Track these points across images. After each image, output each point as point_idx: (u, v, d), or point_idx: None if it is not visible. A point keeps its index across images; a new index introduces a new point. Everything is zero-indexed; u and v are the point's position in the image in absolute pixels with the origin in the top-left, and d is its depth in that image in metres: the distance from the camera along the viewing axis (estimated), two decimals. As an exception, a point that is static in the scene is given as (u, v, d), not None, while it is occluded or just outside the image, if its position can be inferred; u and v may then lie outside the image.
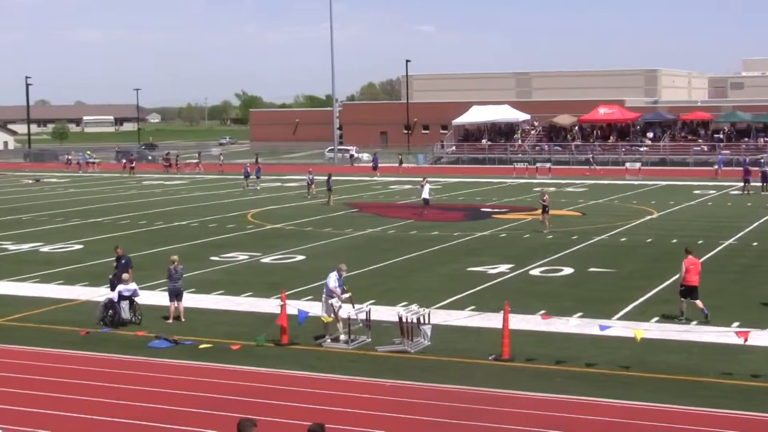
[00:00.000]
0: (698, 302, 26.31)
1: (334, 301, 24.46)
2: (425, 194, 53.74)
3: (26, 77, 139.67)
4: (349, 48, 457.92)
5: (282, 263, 37.45)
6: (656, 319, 26.48)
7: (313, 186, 65.66)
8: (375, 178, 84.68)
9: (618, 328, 24.32)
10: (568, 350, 23.27)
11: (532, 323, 25.89)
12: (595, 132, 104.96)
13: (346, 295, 24.97)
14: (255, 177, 76.64)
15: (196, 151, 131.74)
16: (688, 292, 26.48)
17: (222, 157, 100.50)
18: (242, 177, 77.91)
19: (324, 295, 24.77)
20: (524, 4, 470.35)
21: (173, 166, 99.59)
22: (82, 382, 20.97)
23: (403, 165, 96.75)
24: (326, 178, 62.44)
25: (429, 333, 23.97)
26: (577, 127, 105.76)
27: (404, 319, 23.49)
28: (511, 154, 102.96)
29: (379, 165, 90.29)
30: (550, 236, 43.62)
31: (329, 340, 24.24)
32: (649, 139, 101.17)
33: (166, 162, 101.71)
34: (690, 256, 26.95)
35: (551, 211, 47.57)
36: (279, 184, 79.02)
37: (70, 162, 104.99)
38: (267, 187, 76.04)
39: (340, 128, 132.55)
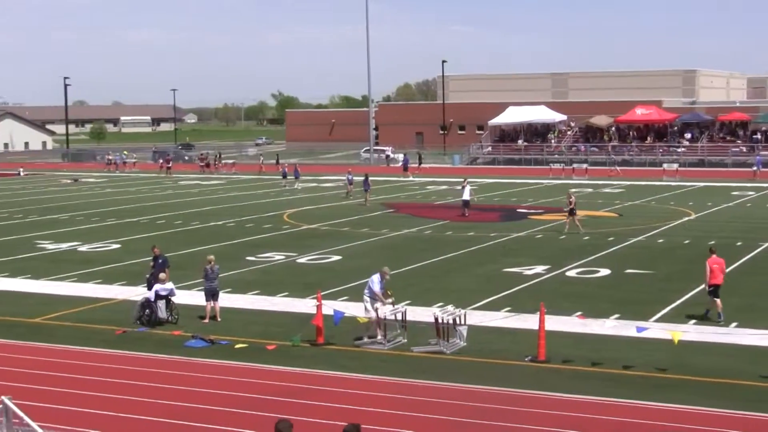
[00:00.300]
0: (719, 301, 26.25)
1: (378, 304, 24.41)
2: (466, 195, 53.35)
3: (64, 78, 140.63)
4: (385, 48, 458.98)
5: (318, 263, 37.49)
6: (694, 321, 26.30)
7: (351, 186, 65.73)
8: (407, 179, 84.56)
9: (655, 330, 24.16)
10: (604, 352, 23.15)
11: (569, 325, 25.79)
12: (632, 133, 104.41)
13: (389, 300, 24.93)
14: (293, 177, 77.15)
15: (234, 151, 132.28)
16: (716, 291, 26.41)
17: (262, 158, 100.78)
18: (280, 177, 78.82)
19: (365, 296, 24.75)
20: (562, 4, 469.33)
21: (211, 166, 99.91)
22: (118, 381, 21.08)
23: (422, 165, 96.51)
24: (363, 178, 62.50)
25: (465, 334, 23.93)
26: (614, 128, 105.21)
27: (440, 320, 23.46)
28: (548, 154, 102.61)
29: (419, 166, 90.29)
30: (587, 237, 43.44)
31: (366, 339, 24.24)
32: (687, 140, 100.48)
33: (201, 162, 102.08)
34: (714, 256, 26.97)
35: (586, 212, 47.36)
36: (315, 184, 79.16)
37: (111, 162, 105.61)
38: (303, 187, 76.17)
39: (376, 129, 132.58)
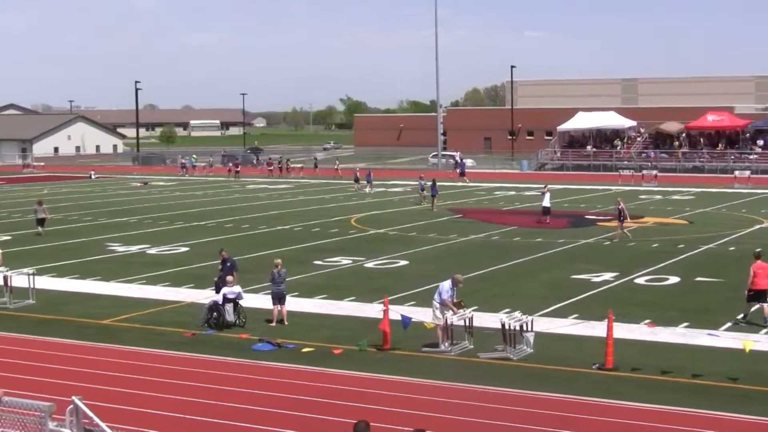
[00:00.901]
0: (766, 306, 26.33)
1: (449, 313, 24.32)
2: (546, 202, 52.31)
3: (135, 82, 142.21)
4: (454, 53, 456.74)
5: (385, 268, 37.52)
6: (766, 330, 25.91)
7: (424, 192, 65.37)
8: (464, 183, 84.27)
9: (726, 338, 23.84)
10: (674, 360, 22.87)
11: (637, 332, 25.54)
12: (702, 139, 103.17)
13: (460, 311, 24.85)
14: (365, 181, 77.92)
15: (303, 155, 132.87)
16: (758, 296, 26.66)
17: (338, 162, 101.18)
18: (352, 181, 79.81)
19: (434, 302, 24.70)
20: (631, 9, 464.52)
21: (283, 170, 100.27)
22: (186, 383, 21.25)
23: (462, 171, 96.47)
24: (431, 183, 62.48)
25: (532, 340, 23.81)
26: (684, 134, 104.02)
27: (507, 326, 23.36)
28: (617, 161, 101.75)
29: (478, 171, 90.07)
30: (632, 243, 43.14)
31: (432, 347, 24.20)
32: (760, 146, 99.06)
33: (269, 166, 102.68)
34: (759, 261, 27.12)
35: (656, 219, 46.86)
36: (383, 189, 79.25)
37: (185, 166, 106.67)
38: (369, 192, 76.28)
39: (444, 133, 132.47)
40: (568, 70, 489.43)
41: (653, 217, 54.65)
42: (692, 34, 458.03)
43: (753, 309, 26.75)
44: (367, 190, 76.49)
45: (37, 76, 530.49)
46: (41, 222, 49.68)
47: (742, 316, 26.89)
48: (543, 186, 55.85)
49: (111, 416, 17.65)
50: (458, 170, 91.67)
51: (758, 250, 28.71)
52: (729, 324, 26.69)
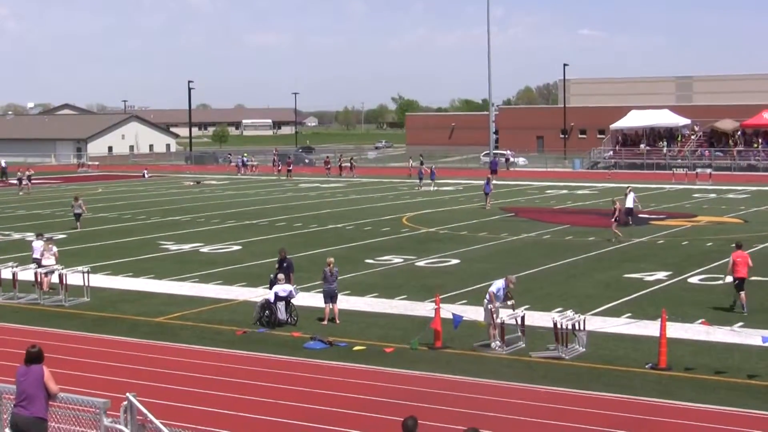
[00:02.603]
0: (743, 294, 27.97)
1: (496, 310, 24.28)
2: (629, 203, 49.63)
3: (188, 81, 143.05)
4: (506, 52, 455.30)
5: (437, 267, 37.51)
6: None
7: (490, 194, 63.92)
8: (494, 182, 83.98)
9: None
10: (728, 360, 22.68)
11: (691, 332, 25.34)
12: (758, 137, 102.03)
13: (510, 302, 24.83)
14: (429, 179, 78.85)
15: (354, 154, 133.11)
16: (739, 285, 28.15)
17: (411, 160, 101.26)
18: (417, 179, 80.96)
19: (486, 301, 24.68)
20: (686, 7, 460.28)
21: (343, 169, 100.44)
22: (238, 381, 21.38)
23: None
24: (484, 182, 62.30)
25: (584, 339, 23.72)
26: (739, 132, 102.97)
27: (559, 325, 23.28)
28: (670, 159, 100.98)
29: (530, 170, 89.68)
30: (686, 242, 43.02)
31: (483, 345, 24.18)
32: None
33: (326, 165, 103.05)
34: (739, 250, 28.67)
35: (710, 218, 46.37)
36: (434, 188, 79.20)
37: (244, 164, 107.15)
38: (422, 191, 76.34)
39: (496, 132, 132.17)
40: (622, 68, 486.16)
41: (707, 216, 54.16)
42: (748, 31, 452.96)
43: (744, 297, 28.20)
44: (432, 188, 77.30)
45: (92, 76, 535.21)
46: (77, 217, 51.84)
47: (741, 306, 28.12)
48: (626, 187, 54.79)
49: (165, 413, 17.79)
50: (491, 168, 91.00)
51: (738, 240, 30.54)
52: (785, 324, 26.43)
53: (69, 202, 58.10)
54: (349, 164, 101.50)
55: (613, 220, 44.62)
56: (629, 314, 27.78)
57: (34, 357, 14.13)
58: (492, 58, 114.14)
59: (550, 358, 23.02)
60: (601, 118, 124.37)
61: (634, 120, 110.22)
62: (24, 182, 78.47)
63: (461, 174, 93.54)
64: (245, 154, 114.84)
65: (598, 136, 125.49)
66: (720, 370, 21.73)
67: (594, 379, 21.19)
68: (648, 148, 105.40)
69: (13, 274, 31.44)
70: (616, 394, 19.99)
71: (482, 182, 63.05)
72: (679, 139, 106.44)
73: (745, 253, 28.86)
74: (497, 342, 24.05)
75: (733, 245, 29.74)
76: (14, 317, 28.78)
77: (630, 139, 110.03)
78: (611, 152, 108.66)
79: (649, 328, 25.39)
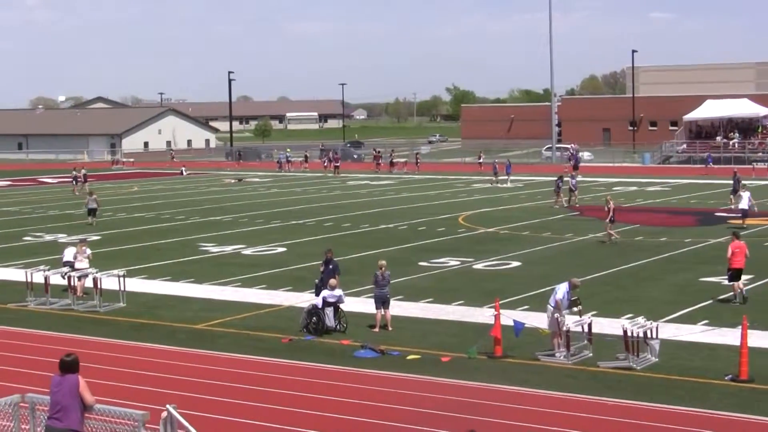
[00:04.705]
0: (739, 284, 29.79)
1: (558, 315, 24.21)
2: (744, 204, 49.00)
3: (229, 72, 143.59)
4: (569, 38, 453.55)
5: (496, 270, 37.44)
6: None
7: (576, 192, 62.60)
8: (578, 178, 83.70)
9: None
10: (815, 371, 22.44)
11: (774, 340, 25.13)
12: None
13: (577, 308, 24.72)
14: (505, 174, 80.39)
15: (406, 149, 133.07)
16: (736, 275, 29.97)
17: (482, 154, 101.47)
18: (492, 174, 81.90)
19: (549, 306, 24.60)
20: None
21: (395, 165, 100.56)
22: (283, 392, 21.44)
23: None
24: (555, 179, 62.13)
25: (657, 348, 23.56)
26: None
27: (629, 333, 23.14)
28: (750, 152, 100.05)
29: (596, 165, 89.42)
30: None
31: (546, 353, 24.11)
32: None
33: (376, 160, 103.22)
34: (736, 240, 30.58)
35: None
36: (511, 183, 79.20)
37: (288, 159, 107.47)
38: (479, 188, 76.26)
39: (558, 125, 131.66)
40: (696, 54, 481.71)
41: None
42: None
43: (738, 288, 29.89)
44: (508, 185, 78.28)
45: (127, 67, 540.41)
46: (92, 212, 54.19)
47: (734, 297, 29.97)
48: (743, 186, 54.17)
49: (206, 426, 17.93)
50: (572, 163, 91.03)
51: (736, 230, 32.80)
52: None
53: (103, 202, 58.77)
54: (414, 160, 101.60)
55: (607, 220, 44.21)
56: (706, 321, 27.56)
57: (70, 366, 14.25)
58: (554, 44, 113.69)
59: (620, 369, 22.89)
60: (674, 109, 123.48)
61: (710, 110, 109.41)
62: (79, 180, 79.00)
63: (522, 170, 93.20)
64: (288, 150, 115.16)
65: (670, 128, 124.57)
66: (806, 382, 21.53)
67: (667, 392, 21.04)
68: (725, 140, 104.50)
69: (45, 278, 31.78)
70: (691, 408, 19.84)
71: (553, 178, 62.78)
72: (759, 130, 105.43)
73: (742, 243, 30.77)
74: (562, 351, 23.96)
75: (730, 236, 32.07)
76: (46, 324, 29.08)
77: (705, 131, 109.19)
78: (684, 145, 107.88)
79: (728, 336, 25.20)
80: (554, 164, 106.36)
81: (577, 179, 65.22)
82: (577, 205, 59.95)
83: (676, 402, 20.24)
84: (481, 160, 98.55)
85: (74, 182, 78.69)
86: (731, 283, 30.26)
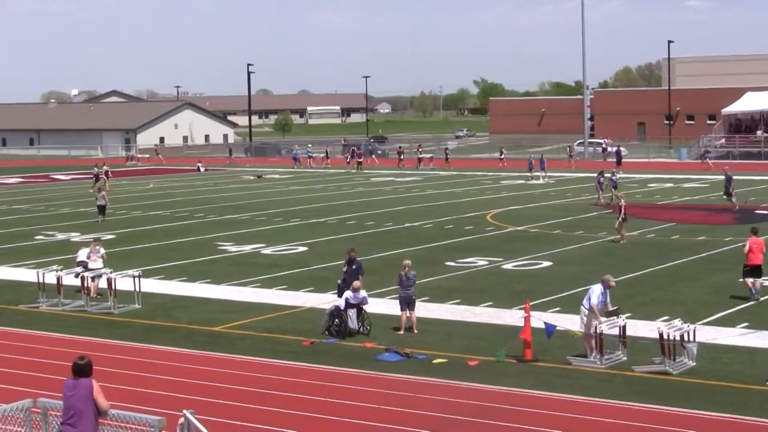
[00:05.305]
0: (759, 281, 30.25)
1: (593, 318, 24.12)
2: None
3: (248, 65, 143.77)
4: (602, 28, 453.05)
5: (526, 270, 37.38)
6: None
7: (616, 190, 62.54)
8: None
9: None
10: None
11: (818, 344, 25.02)
12: None
13: (613, 308, 24.64)
14: (540, 170, 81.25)
15: (431, 144, 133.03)
16: (753, 271, 30.38)
17: (504, 151, 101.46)
18: (527, 170, 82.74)
19: (583, 308, 24.51)
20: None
21: (422, 161, 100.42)
22: (305, 396, 21.47)
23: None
24: (596, 175, 61.91)
25: (694, 352, 23.48)
26: None
27: (665, 336, 23.07)
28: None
29: (631, 160, 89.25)
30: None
31: (583, 357, 24.05)
32: None
33: (399, 156, 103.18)
34: (754, 237, 31.11)
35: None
36: (522, 181, 79.03)
37: (299, 156, 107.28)
38: (508, 185, 76.18)
39: (591, 119, 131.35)
40: (734, 45, 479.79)
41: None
42: None
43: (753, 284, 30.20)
44: (542, 180, 78.88)
45: (142, 60, 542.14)
46: (101, 209, 54.88)
47: (751, 293, 30.20)
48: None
49: (221, 431, 17.97)
50: (615, 159, 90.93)
51: (755, 225, 33.21)
52: None
53: (118, 199, 58.99)
54: (444, 156, 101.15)
55: (620, 219, 43.91)
56: (746, 323, 27.45)
57: (83, 369, 14.29)
58: (586, 34, 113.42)
59: (655, 373, 22.83)
60: (711, 102, 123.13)
61: (750, 103, 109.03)
62: (102, 177, 78.90)
63: (552, 166, 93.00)
64: (309, 145, 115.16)
65: (708, 122, 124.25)
66: None
67: (705, 398, 20.97)
68: (766, 135, 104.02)
69: (58, 279, 31.88)
70: (730, 415, 19.76)
71: (594, 174, 62.56)
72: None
73: (761, 240, 31.28)
74: (595, 354, 23.90)
75: (752, 230, 32.24)
76: (59, 326, 29.20)
77: (745, 125, 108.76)
78: (723, 140, 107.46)
79: (768, 339, 25.12)
80: (586, 159, 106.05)
81: (618, 176, 64.72)
82: (612, 203, 59.75)
83: (714, 408, 20.15)
84: (502, 156, 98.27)
85: (103, 178, 76.85)
86: (744, 279, 30.82)
